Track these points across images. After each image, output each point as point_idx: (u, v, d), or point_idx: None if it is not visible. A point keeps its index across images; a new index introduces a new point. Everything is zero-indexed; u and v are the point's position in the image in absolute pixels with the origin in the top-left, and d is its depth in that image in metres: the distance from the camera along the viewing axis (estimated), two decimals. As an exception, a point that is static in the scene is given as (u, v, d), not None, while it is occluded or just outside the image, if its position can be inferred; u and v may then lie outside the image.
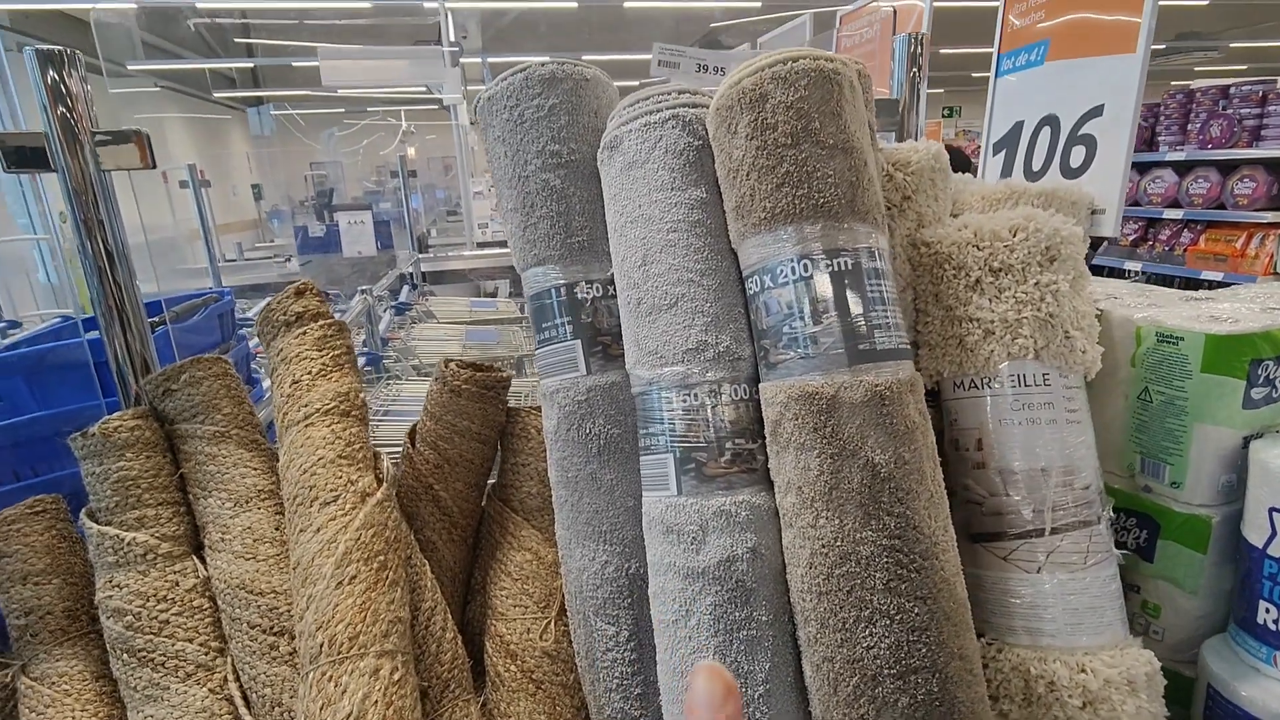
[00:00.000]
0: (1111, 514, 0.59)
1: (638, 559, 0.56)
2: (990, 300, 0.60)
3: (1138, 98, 0.66)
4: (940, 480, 0.47)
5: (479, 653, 0.65)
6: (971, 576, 0.62)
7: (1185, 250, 3.27)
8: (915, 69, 0.77)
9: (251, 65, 8.33)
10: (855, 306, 0.45)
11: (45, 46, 0.56)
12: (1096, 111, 0.71)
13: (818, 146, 0.46)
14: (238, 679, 0.55)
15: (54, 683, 0.56)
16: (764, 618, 0.47)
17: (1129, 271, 3.56)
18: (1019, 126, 0.83)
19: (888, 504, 0.43)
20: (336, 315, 0.68)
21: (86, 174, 0.59)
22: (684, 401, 0.50)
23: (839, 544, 0.43)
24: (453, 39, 4.98)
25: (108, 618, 0.56)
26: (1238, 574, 0.63)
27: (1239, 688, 0.59)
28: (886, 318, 0.46)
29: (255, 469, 0.61)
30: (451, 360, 0.68)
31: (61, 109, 0.57)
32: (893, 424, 0.44)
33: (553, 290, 0.59)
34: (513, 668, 0.63)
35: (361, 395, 0.62)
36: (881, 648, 0.42)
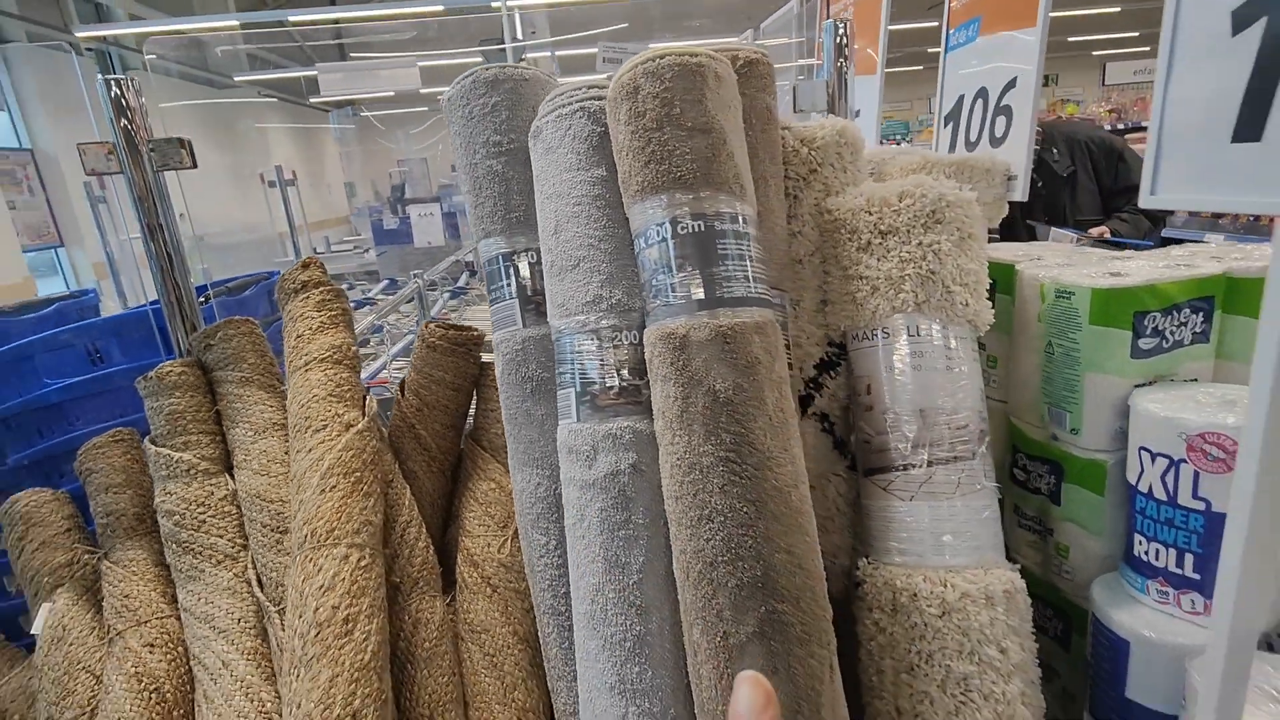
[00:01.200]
0: (985, 450, 0.65)
1: (560, 481, 0.67)
2: (878, 260, 0.67)
3: (1038, 69, 0.70)
4: (786, 408, 0.55)
5: (455, 565, 0.79)
6: (863, 508, 0.70)
7: (1271, 220, 3.05)
8: (842, 59, 0.84)
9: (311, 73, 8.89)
10: (705, 262, 0.54)
11: (112, 76, 0.72)
12: (1013, 84, 0.76)
13: (678, 129, 0.55)
14: (254, 566, 0.71)
15: (126, 565, 0.74)
16: (640, 520, 0.58)
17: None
18: (961, 100, 0.88)
19: (725, 424, 0.52)
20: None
21: (146, 179, 0.76)
22: (584, 345, 0.61)
23: (687, 456, 0.53)
24: (519, 36, 5.18)
25: (162, 518, 0.73)
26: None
27: (1113, 614, 0.64)
28: (735, 271, 0.55)
29: (271, 406, 0.76)
30: (432, 321, 0.81)
31: (124, 122, 0.73)
32: (734, 358, 0.53)
33: (498, 258, 0.70)
34: (475, 574, 0.75)
35: (353, 348, 0.76)
36: (717, 540, 0.52)
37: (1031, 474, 0.78)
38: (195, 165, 0.77)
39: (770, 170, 0.67)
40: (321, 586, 0.61)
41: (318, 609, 0.60)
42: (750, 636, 0.51)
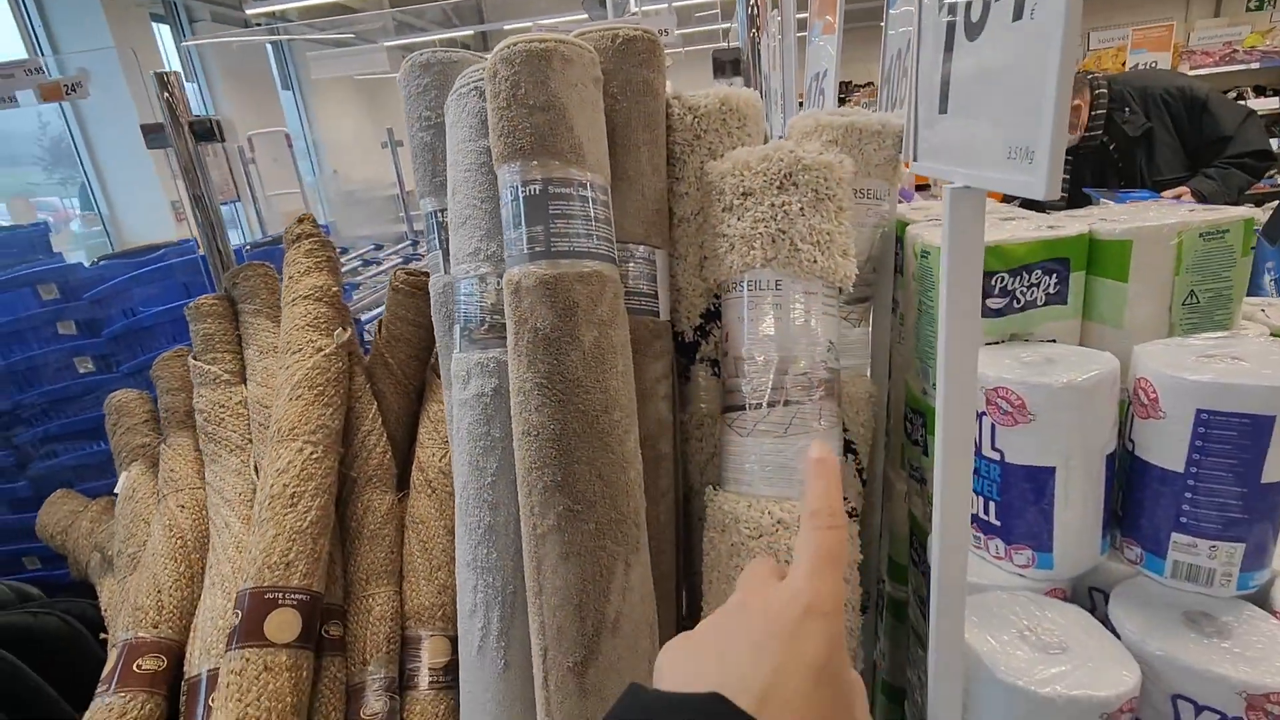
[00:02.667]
0: (824, 396, 0.71)
1: (467, 402, 0.81)
2: (737, 219, 0.73)
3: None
4: (606, 345, 0.65)
5: (411, 469, 0.96)
6: (720, 445, 0.78)
7: None
8: (754, 29, 0.87)
9: (470, 33, 9.29)
10: (539, 220, 0.65)
11: (159, 70, 0.92)
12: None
13: (522, 107, 0.65)
14: (255, 455, 0.92)
15: (175, 448, 0.98)
16: (497, 434, 0.71)
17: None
18: (896, 56, 0.89)
19: (542, 356, 0.63)
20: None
21: (189, 152, 0.96)
22: (466, 289, 0.73)
23: (517, 381, 0.65)
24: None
25: (196, 415, 0.96)
26: (972, 466, 0.71)
27: (934, 554, 0.69)
28: (567, 229, 0.65)
29: (274, 333, 0.96)
30: (400, 269, 0.97)
31: (168, 95, 0.94)
32: (554, 302, 0.63)
33: (431, 215, 0.84)
34: (420, 478, 0.92)
35: (333, 288, 0.94)
36: (532, 450, 0.64)
37: (912, 425, 0.82)
38: (224, 140, 0.97)
39: (644, 138, 0.75)
40: (279, 470, 0.80)
41: (272, 485, 0.79)
42: (550, 529, 0.63)
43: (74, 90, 1.00)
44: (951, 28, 0.46)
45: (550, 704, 0.63)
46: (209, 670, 0.76)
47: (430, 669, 0.83)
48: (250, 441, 0.93)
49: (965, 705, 0.60)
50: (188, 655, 0.79)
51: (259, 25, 7.28)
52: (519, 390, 0.65)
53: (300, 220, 0.96)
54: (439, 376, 0.98)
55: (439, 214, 0.83)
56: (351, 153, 8.25)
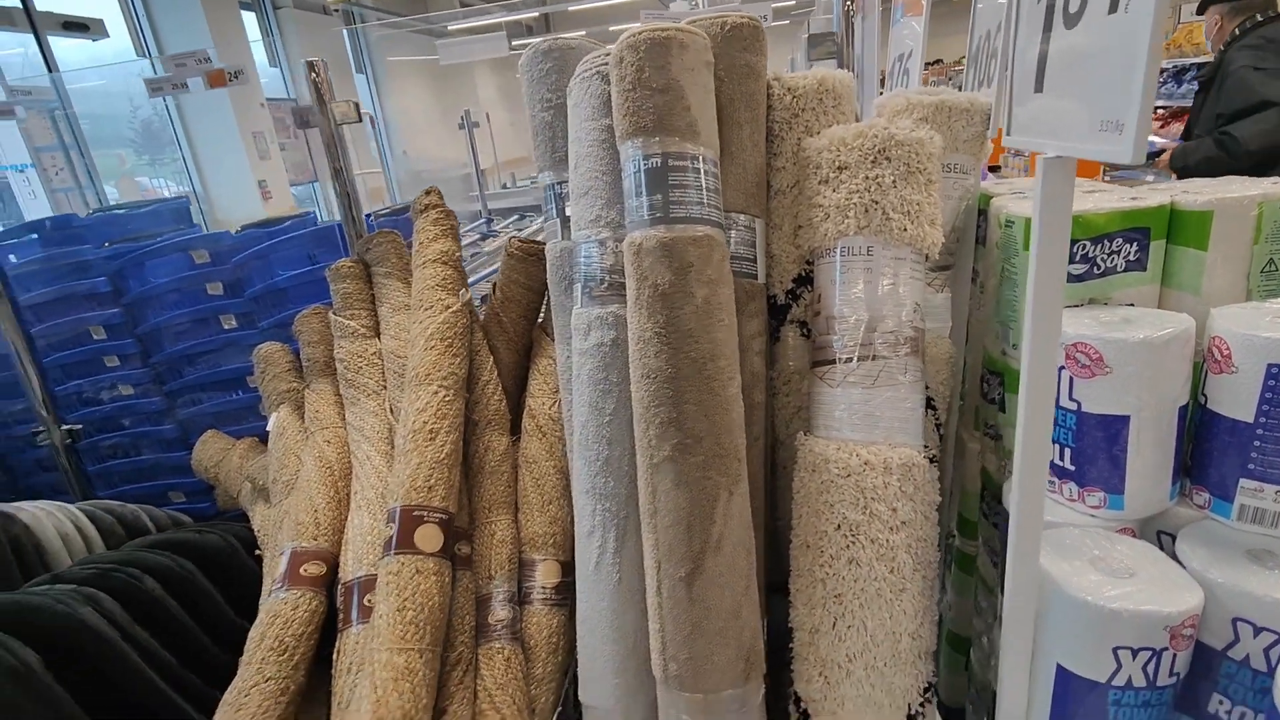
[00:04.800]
0: (910, 354, 0.78)
1: (580, 354, 0.91)
2: (833, 190, 0.81)
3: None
4: (715, 301, 0.74)
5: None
6: (810, 396, 0.86)
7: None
8: (850, 8, 0.93)
9: (535, 15, 9.40)
10: (657, 190, 0.73)
11: (313, 59, 1.05)
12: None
13: (646, 89, 0.74)
14: (389, 399, 1.04)
15: (318, 393, 1.12)
16: (614, 379, 0.80)
17: None
18: (986, 36, 0.94)
19: (660, 308, 0.72)
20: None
21: (331, 130, 1.09)
22: (587, 251, 0.83)
23: (636, 331, 0.74)
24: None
25: (338, 363, 1.09)
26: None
27: (1009, 501, 0.76)
28: (683, 197, 0.74)
29: (404, 292, 1.08)
30: (514, 236, 1.08)
31: (314, 76, 1.06)
32: (672, 260, 0.72)
33: (550, 187, 0.94)
34: (532, 423, 1.03)
35: (456, 253, 1.05)
36: (650, 390, 0.73)
37: (990, 386, 0.88)
38: (360, 120, 1.09)
39: (746, 116, 0.83)
40: (419, 409, 0.92)
41: (414, 422, 0.91)
42: (664, 459, 0.73)
43: (235, 78, 1.14)
44: (1049, 15, 0.52)
45: (662, 609, 0.73)
46: (361, 576, 0.89)
47: (542, 588, 0.95)
48: (385, 387, 1.06)
49: (1037, 628, 0.67)
50: (341, 563, 0.93)
51: (336, 12, 7.56)
52: (638, 339, 0.74)
53: (427, 193, 1.07)
54: (547, 334, 1.09)
55: (557, 186, 0.93)
56: (421, 135, 8.51)
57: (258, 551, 1.13)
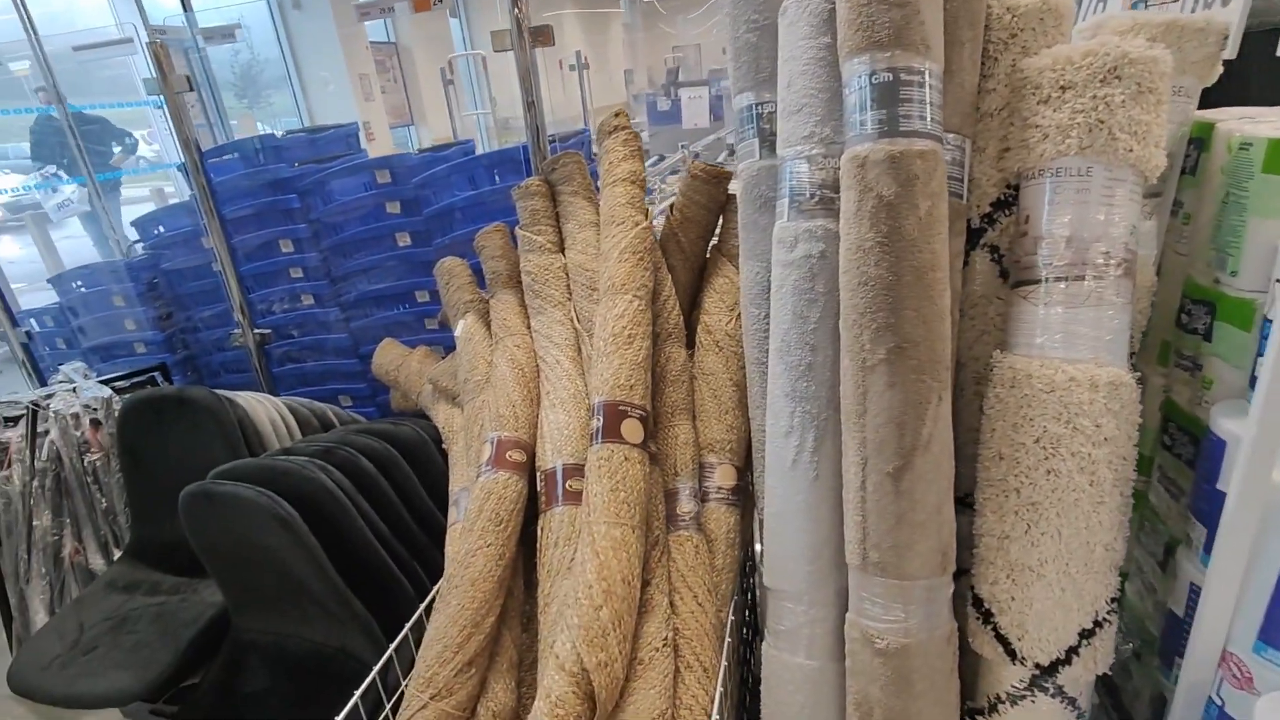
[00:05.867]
0: (1123, 276, 0.79)
1: (771, 270, 0.95)
2: (1053, 110, 0.81)
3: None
4: (935, 214, 0.77)
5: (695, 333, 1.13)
6: (1007, 315, 0.88)
7: None
8: None
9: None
10: (889, 104, 0.76)
11: (512, -18, 1.10)
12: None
13: (881, 3, 0.76)
14: (574, 310, 1.12)
15: (503, 303, 1.21)
16: (820, 289, 0.85)
17: None
18: (1213, -41, 0.90)
19: (884, 218, 0.76)
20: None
21: (525, 60, 1.15)
22: (799, 168, 0.87)
23: (855, 240, 0.78)
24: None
25: (524, 276, 1.17)
26: (1264, 346, 0.77)
27: (1221, 420, 0.77)
28: (911, 111, 0.76)
29: (589, 210, 1.15)
30: (695, 158, 1.12)
31: (517, 11, 1.12)
32: (897, 172, 0.75)
33: (748, 108, 0.98)
34: (709, 339, 1.09)
35: (642, 174, 1.11)
36: (867, 297, 0.77)
37: (1193, 316, 0.88)
38: (554, 43, 1.14)
39: (967, 35, 0.83)
40: (617, 315, 0.99)
41: (613, 326, 0.98)
42: (879, 361, 0.77)
43: (439, 2, 1.21)
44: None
45: (866, 502, 0.79)
46: (561, 464, 0.98)
47: (719, 488, 1.02)
48: (570, 298, 1.14)
49: (1256, 546, 0.69)
50: (539, 453, 1.02)
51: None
52: (857, 249, 0.78)
53: (616, 114, 1.13)
54: (722, 254, 1.14)
55: (758, 106, 0.96)
56: (513, 82, 8.57)
57: (444, 445, 1.25)
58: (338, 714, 0.82)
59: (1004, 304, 0.92)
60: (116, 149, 4.59)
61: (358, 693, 0.85)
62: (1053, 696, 0.83)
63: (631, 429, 0.92)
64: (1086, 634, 0.80)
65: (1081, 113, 0.79)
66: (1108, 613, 0.81)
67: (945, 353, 0.78)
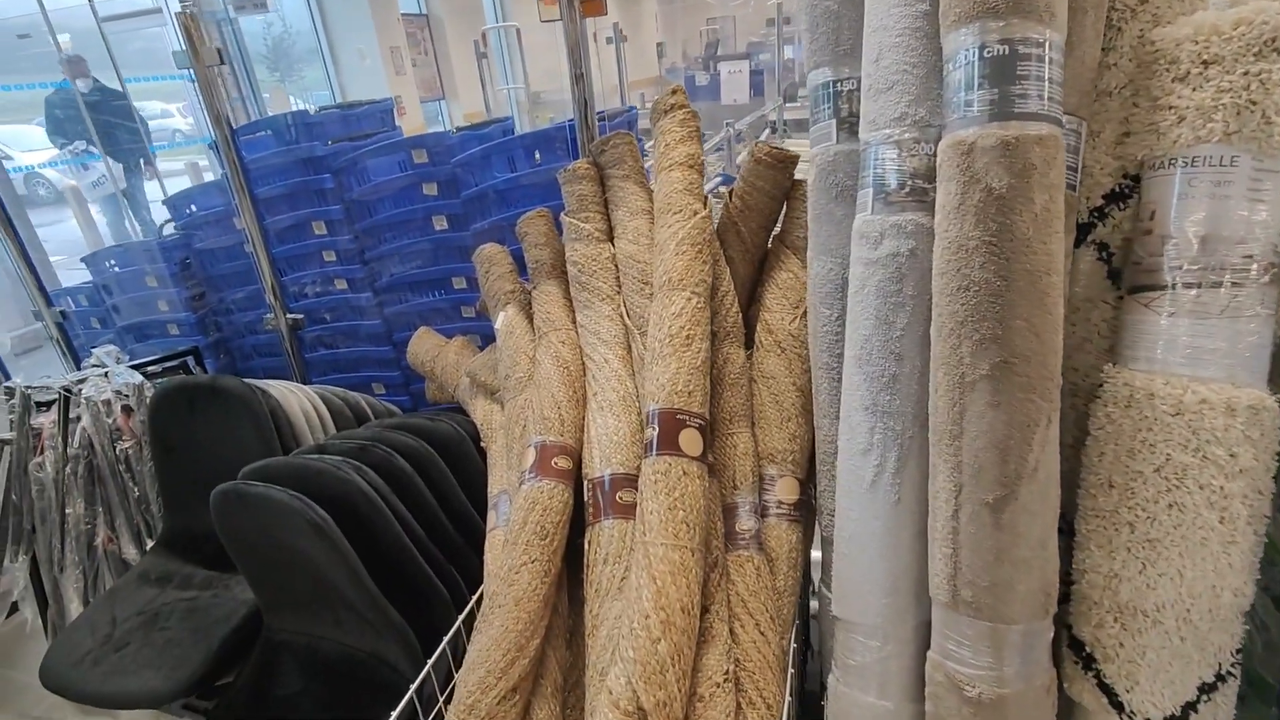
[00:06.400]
0: (1269, 282, 0.68)
1: (848, 267, 0.86)
2: (1192, 89, 0.70)
3: None
4: (1053, 209, 0.67)
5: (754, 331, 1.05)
6: (1121, 324, 0.78)
7: None
8: None
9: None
10: (1003, 81, 0.66)
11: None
12: None
13: (1000, -37, 0.65)
14: (624, 304, 1.04)
15: (547, 294, 1.13)
16: (909, 292, 0.75)
17: None
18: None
19: (993, 214, 0.66)
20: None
21: (575, 31, 1.06)
22: (886, 154, 0.77)
23: (956, 238, 0.68)
24: None
25: (570, 266, 1.09)
26: None
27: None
28: (1029, 90, 0.66)
29: (641, 196, 1.06)
30: (761, 142, 1.02)
31: (564, -18, 1.03)
32: (1011, 162, 0.65)
33: (825, 85, 0.87)
34: (769, 339, 1.01)
35: (701, 157, 1.01)
36: (969, 304, 0.68)
37: (1338, 328, 0.76)
38: (605, 12, 1.05)
39: (1091, 2, 0.72)
40: (674, 313, 0.91)
41: (670, 326, 0.90)
42: (981, 376, 0.68)
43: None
44: None
45: (959, 534, 0.70)
46: (610, 473, 0.91)
47: (779, 503, 0.94)
48: (619, 291, 1.06)
49: None
50: (586, 459, 0.95)
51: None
52: (959, 248, 0.68)
53: (673, 91, 1.03)
54: (786, 246, 1.05)
55: (836, 84, 0.86)
56: (545, 55, 8.43)
57: (481, 443, 1.19)
58: (373, 736, 0.76)
59: (1111, 309, 0.82)
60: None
61: (394, 715, 0.80)
62: (1163, 755, 0.74)
63: (690, 440, 0.84)
64: (1207, 688, 0.71)
65: (1229, 92, 0.68)
66: (1232, 665, 0.71)
67: (1057, 369, 0.69)
